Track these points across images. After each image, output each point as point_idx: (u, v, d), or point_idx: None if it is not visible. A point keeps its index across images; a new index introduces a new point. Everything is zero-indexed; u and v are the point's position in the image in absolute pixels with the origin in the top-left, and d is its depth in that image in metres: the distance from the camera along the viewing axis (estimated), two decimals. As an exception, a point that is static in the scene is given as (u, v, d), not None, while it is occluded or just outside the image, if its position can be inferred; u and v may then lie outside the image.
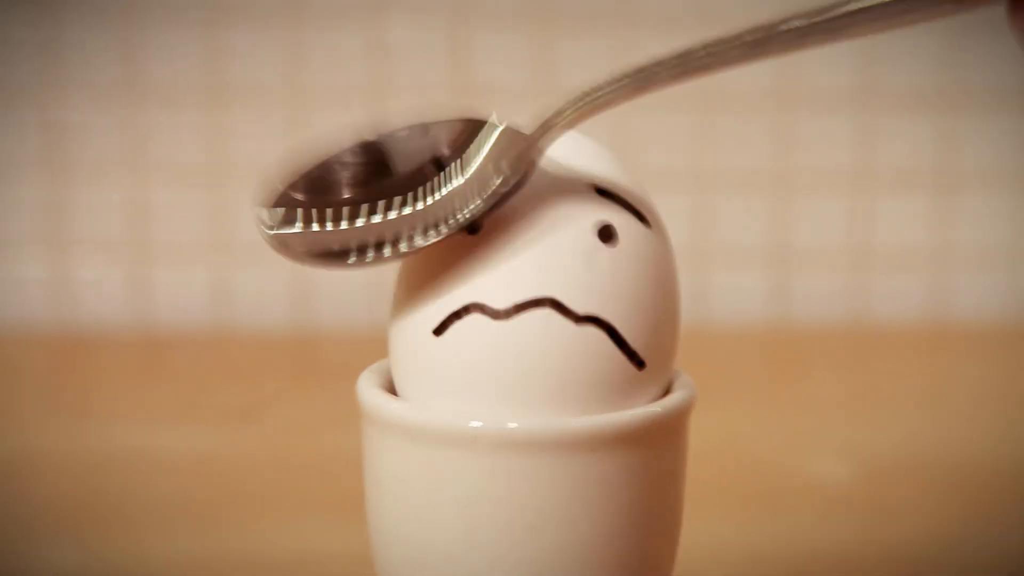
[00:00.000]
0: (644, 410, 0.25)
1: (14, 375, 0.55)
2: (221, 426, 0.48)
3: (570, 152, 0.26)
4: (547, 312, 0.24)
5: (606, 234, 0.25)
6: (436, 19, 0.61)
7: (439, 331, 0.25)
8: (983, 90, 0.62)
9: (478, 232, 0.25)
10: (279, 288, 0.62)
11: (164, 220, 0.62)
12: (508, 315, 0.24)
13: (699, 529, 0.38)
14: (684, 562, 0.35)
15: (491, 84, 0.61)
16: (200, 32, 0.60)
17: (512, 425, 0.24)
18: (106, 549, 0.37)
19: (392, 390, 0.26)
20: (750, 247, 0.63)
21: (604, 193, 0.25)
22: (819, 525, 0.38)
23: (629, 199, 0.26)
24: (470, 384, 0.24)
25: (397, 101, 0.61)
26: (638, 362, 0.25)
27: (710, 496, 0.40)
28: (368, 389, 0.26)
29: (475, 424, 0.24)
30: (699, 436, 0.44)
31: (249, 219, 0.67)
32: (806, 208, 0.62)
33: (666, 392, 0.26)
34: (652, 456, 0.25)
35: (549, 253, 0.25)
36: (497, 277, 0.24)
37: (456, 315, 0.24)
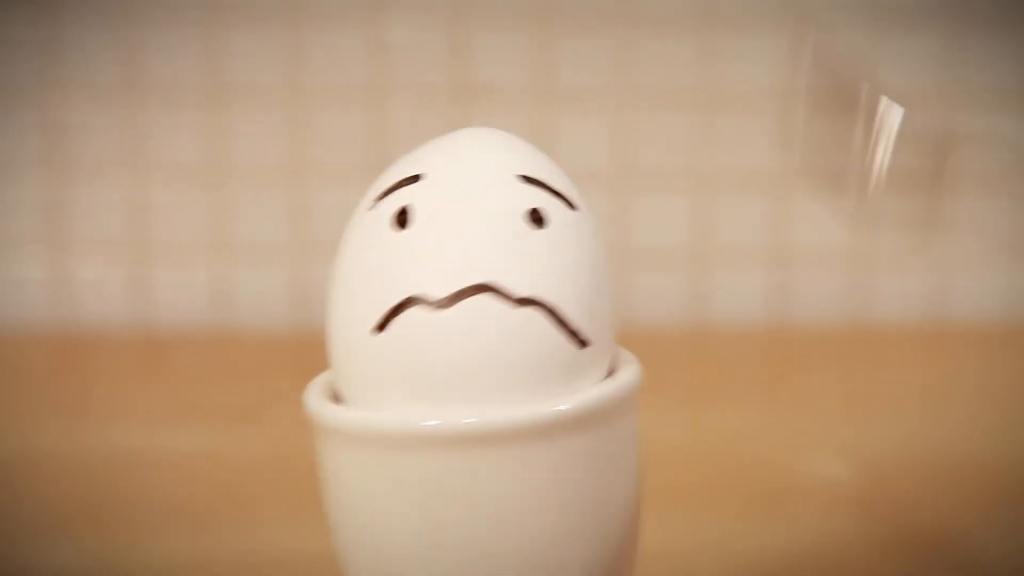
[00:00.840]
0: (597, 391, 0.25)
1: (14, 375, 0.55)
2: (221, 426, 0.48)
3: (490, 144, 0.27)
4: (485, 298, 0.24)
5: (535, 217, 0.25)
6: (436, 19, 0.61)
7: (380, 328, 0.25)
8: (983, 90, 0.62)
9: (407, 226, 0.25)
10: (279, 288, 0.62)
11: (164, 220, 0.62)
12: (447, 304, 0.24)
13: (699, 529, 0.38)
14: (684, 562, 0.35)
15: (491, 84, 0.61)
16: (200, 32, 0.60)
17: (467, 421, 0.24)
18: (106, 549, 0.37)
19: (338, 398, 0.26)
20: (750, 247, 0.63)
21: (528, 180, 0.26)
22: (819, 525, 0.38)
23: (553, 185, 0.26)
24: (416, 378, 0.24)
25: (397, 101, 0.61)
26: (580, 341, 0.25)
27: (710, 496, 0.40)
28: (316, 400, 0.26)
29: (430, 423, 0.24)
30: (699, 436, 0.44)
31: (249, 219, 0.67)
32: (806, 208, 0.62)
33: (610, 370, 0.26)
34: (608, 436, 0.25)
35: (481, 240, 0.25)
36: (432, 268, 0.25)
37: (395, 310, 0.25)
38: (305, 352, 0.59)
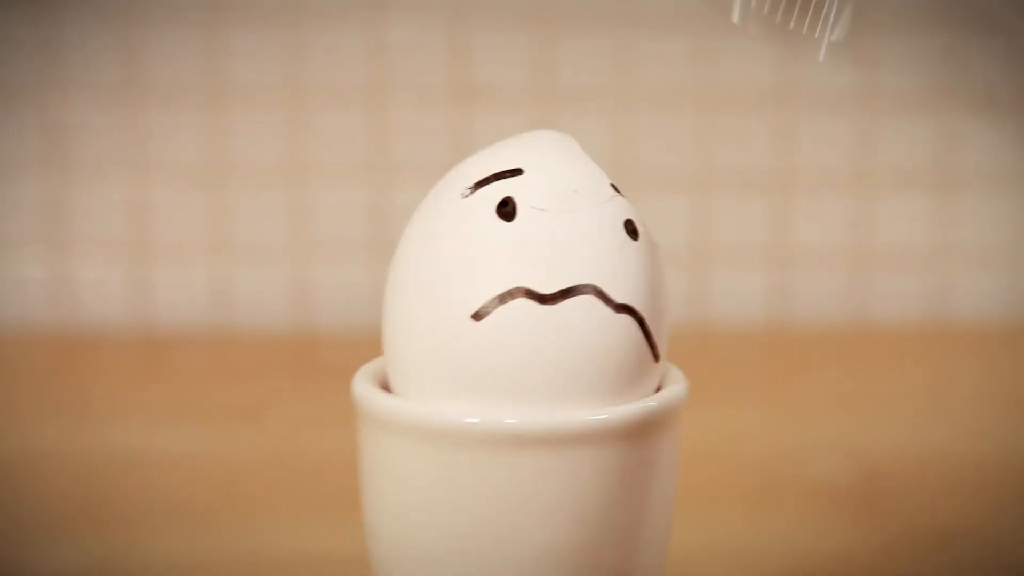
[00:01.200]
0: (641, 404, 0.25)
1: (14, 375, 0.55)
2: (221, 426, 0.48)
3: (579, 150, 0.27)
4: (591, 299, 0.24)
5: (631, 229, 0.25)
6: (436, 19, 0.61)
7: (479, 316, 0.25)
8: (983, 90, 0.61)
9: (512, 219, 0.25)
10: (279, 288, 0.62)
11: (164, 220, 0.62)
12: (555, 300, 0.24)
13: (699, 529, 0.38)
14: (683, 562, 0.35)
15: (491, 84, 0.61)
16: (200, 32, 0.60)
17: (509, 421, 0.24)
18: (106, 549, 0.37)
19: (387, 387, 0.26)
20: (750, 247, 0.62)
21: (618, 191, 0.26)
22: (819, 525, 0.38)
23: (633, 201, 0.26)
24: (512, 370, 0.24)
25: (397, 101, 0.61)
26: (656, 354, 0.25)
27: (710, 496, 0.40)
28: (373, 391, 0.26)
29: (471, 420, 0.24)
30: (699, 436, 0.44)
31: (249, 219, 0.67)
32: (806, 208, 0.62)
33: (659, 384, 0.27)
34: (653, 448, 0.25)
35: (587, 242, 0.25)
36: (539, 262, 0.25)
37: (500, 299, 0.24)
38: (305, 352, 0.60)
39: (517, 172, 0.25)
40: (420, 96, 0.61)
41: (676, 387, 0.26)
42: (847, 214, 0.63)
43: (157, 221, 0.62)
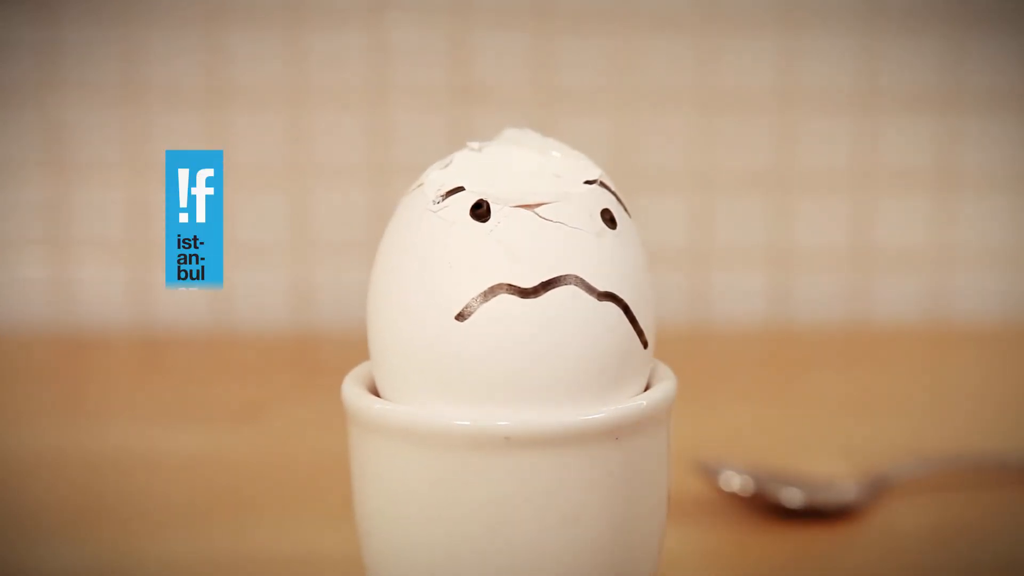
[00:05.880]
0: (634, 403, 0.25)
1: (14, 375, 0.55)
2: (221, 426, 0.48)
3: (552, 145, 0.27)
4: (573, 289, 0.25)
5: (608, 218, 0.25)
6: (436, 19, 0.61)
7: (463, 316, 0.25)
8: (983, 90, 0.61)
9: (486, 220, 0.25)
10: (279, 288, 0.62)
11: (164, 220, 0.61)
12: (537, 293, 0.24)
13: (699, 528, 0.38)
14: (683, 561, 0.35)
15: (491, 84, 0.61)
16: (200, 32, 0.60)
17: (502, 423, 0.24)
18: (104, 549, 0.37)
19: (375, 390, 0.26)
20: (750, 247, 0.63)
21: (595, 182, 0.26)
22: (818, 525, 0.38)
23: (616, 190, 0.26)
24: (499, 368, 0.24)
25: (397, 101, 0.61)
26: (644, 341, 0.25)
27: (711, 496, 0.40)
28: (364, 395, 0.26)
29: (462, 423, 0.24)
30: (699, 436, 0.44)
31: (249, 219, 0.67)
32: (806, 208, 0.62)
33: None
34: (644, 446, 0.25)
35: (565, 234, 0.25)
36: (518, 258, 0.25)
37: (482, 297, 0.24)
38: (305, 352, 0.59)
39: (488, 174, 0.26)
40: (420, 96, 0.61)
41: (666, 384, 0.26)
42: (847, 214, 0.63)
43: (157, 221, 0.62)
